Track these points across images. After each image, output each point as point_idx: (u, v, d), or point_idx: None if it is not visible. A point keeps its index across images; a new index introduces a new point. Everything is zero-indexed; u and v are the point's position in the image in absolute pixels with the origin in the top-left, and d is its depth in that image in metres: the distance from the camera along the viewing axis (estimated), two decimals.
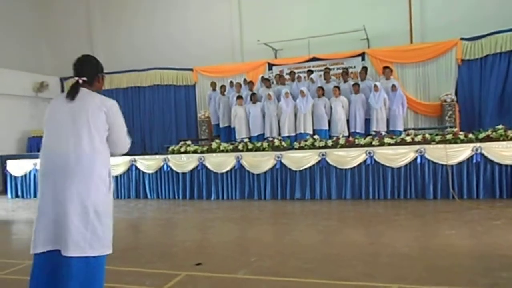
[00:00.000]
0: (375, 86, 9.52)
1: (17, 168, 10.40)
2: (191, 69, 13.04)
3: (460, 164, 7.24)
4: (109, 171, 2.63)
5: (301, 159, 8.07)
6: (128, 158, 9.31)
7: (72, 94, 2.54)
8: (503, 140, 7.25)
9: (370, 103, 9.59)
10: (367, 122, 9.76)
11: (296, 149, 8.39)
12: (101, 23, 14.72)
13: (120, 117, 2.64)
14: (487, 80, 10.32)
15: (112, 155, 2.70)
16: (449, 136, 7.58)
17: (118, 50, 14.25)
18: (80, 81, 2.58)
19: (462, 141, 7.42)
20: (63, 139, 2.48)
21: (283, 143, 8.58)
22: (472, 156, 7.17)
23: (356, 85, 9.87)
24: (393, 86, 9.67)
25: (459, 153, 7.24)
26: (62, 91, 13.91)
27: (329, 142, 8.24)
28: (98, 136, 2.51)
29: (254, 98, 10.29)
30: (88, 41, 14.53)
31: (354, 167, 7.75)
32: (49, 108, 2.61)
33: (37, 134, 12.87)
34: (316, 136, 8.64)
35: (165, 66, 13.21)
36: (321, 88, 9.97)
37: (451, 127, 9.66)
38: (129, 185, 9.37)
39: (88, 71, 2.61)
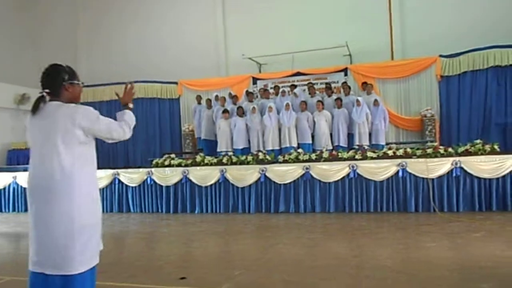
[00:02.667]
0: (357, 101, 9.68)
1: None
2: (175, 83, 13.06)
3: (440, 177, 7.39)
4: (95, 182, 2.57)
5: (285, 173, 8.12)
6: (111, 171, 9.22)
7: (34, 108, 2.43)
8: (481, 154, 7.45)
9: (352, 117, 9.74)
10: (350, 136, 9.90)
11: (280, 162, 8.44)
12: (87, 35, 14.71)
13: (97, 119, 2.48)
14: (466, 96, 10.62)
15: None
16: (429, 150, 7.75)
17: (103, 63, 14.21)
18: (44, 94, 2.45)
19: (442, 155, 7.59)
20: (41, 159, 2.41)
21: (267, 156, 8.63)
22: (452, 170, 7.34)
23: (338, 99, 10.02)
24: (375, 101, 9.85)
25: (440, 166, 7.40)
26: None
27: (313, 156, 8.32)
28: (77, 150, 2.42)
29: (240, 111, 10.34)
30: (72, 53, 14.44)
31: (337, 181, 7.84)
32: (26, 125, 2.53)
33: (17, 147, 12.63)
34: (300, 150, 8.71)
35: (149, 80, 13.20)
36: (304, 102, 10.10)
37: (431, 141, 9.88)
38: (111, 199, 9.25)
39: (50, 82, 2.46)
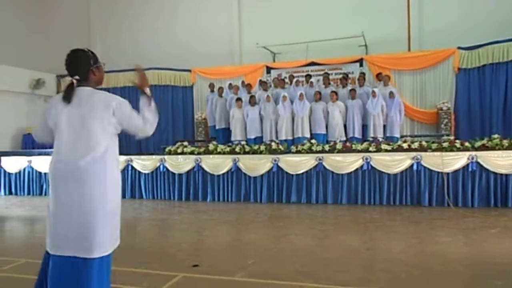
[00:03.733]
0: (373, 92, 9.55)
1: (11, 165, 10.32)
2: (189, 70, 13.04)
3: (455, 172, 7.29)
4: (119, 168, 2.65)
5: (298, 163, 8.09)
6: (124, 157, 9.27)
7: (68, 96, 2.48)
8: (499, 149, 7.30)
9: (367, 108, 9.63)
10: (365, 128, 9.80)
11: (293, 153, 8.40)
12: (99, 20, 14.72)
13: (131, 112, 2.57)
14: (486, 89, 10.40)
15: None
16: (445, 144, 7.63)
17: (117, 49, 14.22)
18: (74, 81, 2.50)
19: (458, 149, 7.46)
20: (73, 143, 2.44)
21: (280, 146, 8.59)
22: (467, 165, 7.22)
23: (352, 90, 9.90)
24: (391, 93, 9.71)
25: (455, 161, 7.29)
26: (58, 88, 13.89)
27: (326, 147, 8.25)
28: (108, 137, 2.49)
29: (253, 100, 10.29)
30: (86, 39, 14.49)
31: (350, 172, 7.78)
32: (53, 110, 2.52)
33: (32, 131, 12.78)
34: (313, 141, 8.65)
35: (163, 67, 13.20)
36: (319, 92, 10.01)
37: (447, 135, 9.74)
38: (124, 185, 9.30)
39: (78, 68, 2.52)
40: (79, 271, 2.37)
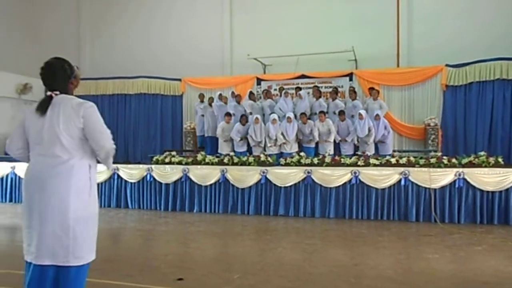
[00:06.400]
0: (360, 114, 9.42)
1: None
2: (179, 79, 12.98)
3: (443, 188, 7.32)
4: (91, 176, 2.55)
5: (286, 176, 8.05)
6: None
7: (42, 109, 2.46)
8: (485, 166, 7.37)
9: (356, 129, 9.56)
10: (355, 147, 9.79)
11: (282, 165, 8.37)
12: (90, 26, 14.61)
13: (98, 119, 2.49)
14: (472, 107, 10.55)
15: (99, 162, 2.62)
16: (433, 160, 7.67)
17: (107, 55, 14.14)
18: (53, 95, 2.48)
19: (446, 166, 7.50)
20: (40, 149, 2.46)
21: (269, 158, 8.55)
22: (454, 181, 7.26)
23: (342, 113, 9.79)
24: (377, 115, 9.56)
25: (443, 177, 7.32)
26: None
27: (315, 160, 8.24)
28: (76, 143, 2.44)
29: (243, 121, 10.14)
30: (76, 44, 14.37)
31: (339, 186, 7.76)
32: (26, 122, 2.56)
33: None
34: (302, 153, 8.63)
35: (153, 75, 13.14)
36: (305, 114, 9.87)
37: (435, 151, 9.81)
38: (110, 194, 9.16)
39: (56, 82, 2.50)
40: (52, 278, 2.34)
